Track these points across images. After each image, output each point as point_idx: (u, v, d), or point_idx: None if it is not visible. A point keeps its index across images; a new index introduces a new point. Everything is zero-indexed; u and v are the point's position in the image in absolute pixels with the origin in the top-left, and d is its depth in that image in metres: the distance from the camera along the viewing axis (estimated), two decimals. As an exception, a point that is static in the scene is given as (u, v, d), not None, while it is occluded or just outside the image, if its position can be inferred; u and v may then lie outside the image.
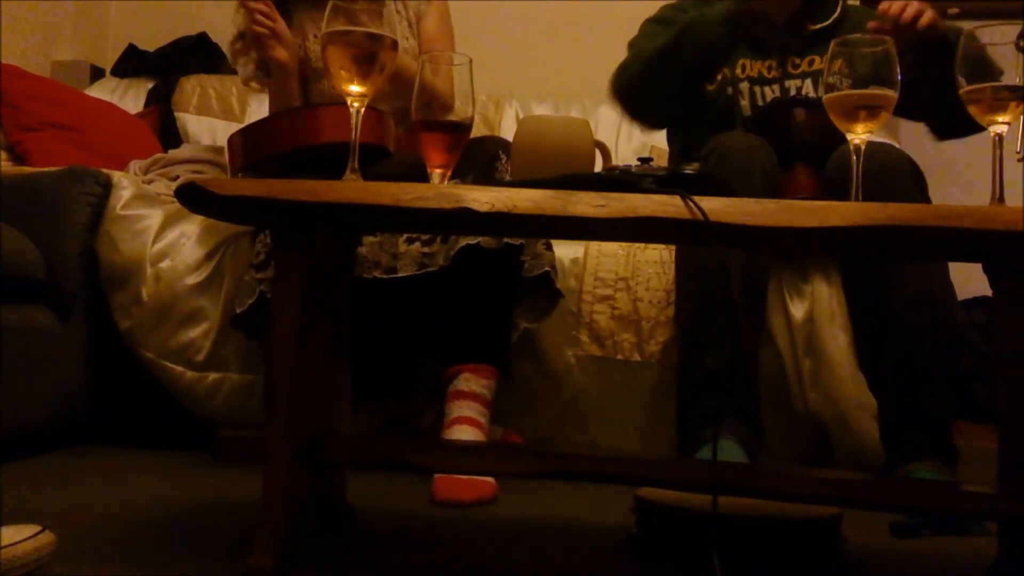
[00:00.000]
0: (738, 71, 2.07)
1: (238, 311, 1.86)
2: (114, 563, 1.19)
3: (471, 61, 1.26)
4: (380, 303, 1.79)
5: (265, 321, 1.81)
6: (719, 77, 2.06)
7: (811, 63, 2.05)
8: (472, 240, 1.73)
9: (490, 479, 1.62)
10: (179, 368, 1.99)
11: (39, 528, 1.10)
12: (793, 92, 2.03)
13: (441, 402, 1.90)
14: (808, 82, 2.04)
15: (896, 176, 1.69)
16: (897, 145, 2.03)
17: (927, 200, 1.75)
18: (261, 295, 1.80)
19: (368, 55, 1.19)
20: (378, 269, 1.72)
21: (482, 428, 1.73)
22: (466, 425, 1.71)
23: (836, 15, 2.07)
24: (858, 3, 2.16)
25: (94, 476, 1.73)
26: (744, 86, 2.06)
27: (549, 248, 1.85)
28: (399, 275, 1.72)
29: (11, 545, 1.06)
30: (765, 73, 2.06)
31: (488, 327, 1.81)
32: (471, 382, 1.75)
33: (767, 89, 2.06)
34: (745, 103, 2.05)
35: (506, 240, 1.75)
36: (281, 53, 1.97)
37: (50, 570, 1.10)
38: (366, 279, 1.71)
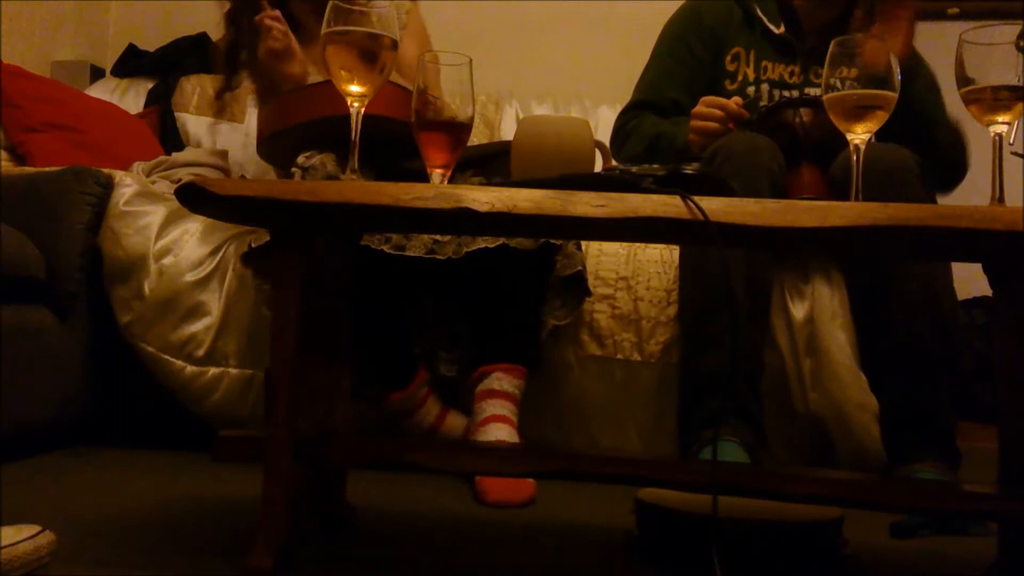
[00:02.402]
0: (760, 72, 2.06)
1: (253, 245, 1.87)
2: (114, 563, 1.19)
3: (471, 61, 1.26)
4: (385, 284, 1.79)
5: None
6: (739, 77, 2.05)
7: None
8: (487, 243, 1.74)
9: (530, 480, 1.63)
10: (179, 362, 2.00)
11: (39, 528, 1.10)
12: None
13: (439, 398, 1.91)
14: None
15: (903, 176, 1.69)
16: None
17: (933, 200, 1.75)
18: None
19: (368, 55, 1.19)
20: (388, 244, 1.72)
21: (515, 426, 1.75)
22: (501, 423, 1.73)
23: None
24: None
25: (94, 476, 1.73)
26: (764, 88, 2.05)
27: (579, 248, 1.88)
28: (407, 253, 1.73)
29: (11, 545, 1.07)
30: (787, 78, 2.05)
31: (520, 327, 1.84)
32: (503, 381, 1.78)
33: (787, 94, 2.04)
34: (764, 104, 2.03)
35: (545, 240, 1.76)
36: (296, 68, 1.94)
37: (50, 570, 1.10)
38: (374, 252, 1.71)
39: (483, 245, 1.75)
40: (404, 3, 2.17)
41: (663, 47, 2.16)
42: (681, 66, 2.11)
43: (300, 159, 1.81)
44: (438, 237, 1.75)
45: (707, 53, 2.10)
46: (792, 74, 2.05)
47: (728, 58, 2.08)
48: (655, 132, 2.04)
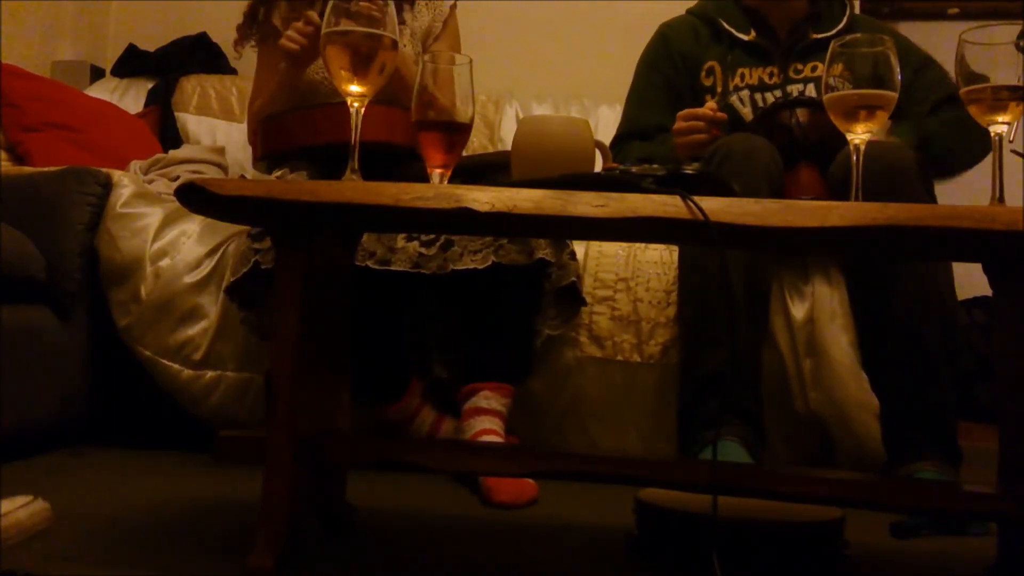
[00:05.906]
0: (737, 80, 2.07)
1: (232, 279, 1.85)
2: (114, 563, 1.19)
3: (471, 61, 1.26)
4: (374, 297, 1.79)
5: (258, 291, 1.81)
6: (719, 89, 2.07)
7: (814, 68, 2.05)
8: (475, 263, 1.73)
9: (530, 480, 1.63)
10: (176, 366, 1.99)
11: (31, 497, 1.11)
12: (796, 95, 2.04)
13: (434, 405, 1.90)
14: (812, 86, 2.04)
15: (903, 175, 1.70)
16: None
17: (933, 199, 1.75)
18: (255, 265, 1.79)
19: (367, 55, 1.19)
20: (372, 259, 1.72)
21: (503, 440, 1.76)
22: (490, 435, 1.74)
23: (841, 26, 2.08)
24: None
25: (94, 476, 1.73)
26: (744, 94, 2.07)
27: (574, 258, 1.88)
28: (391, 268, 1.73)
29: (7, 514, 1.07)
30: (766, 79, 2.07)
31: (510, 344, 1.85)
32: (492, 400, 1.79)
33: (768, 95, 2.06)
34: (747, 111, 2.06)
35: (539, 256, 1.77)
36: (301, 74, 1.94)
37: (50, 539, 1.10)
38: (358, 267, 1.71)
39: (470, 264, 1.73)
40: (443, 5, 2.14)
41: (638, 79, 2.21)
42: (658, 92, 2.15)
43: (273, 177, 1.82)
44: (424, 250, 1.74)
45: (681, 75, 2.14)
46: (771, 75, 2.08)
47: (703, 74, 2.12)
48: (644, 156, 2.07)
